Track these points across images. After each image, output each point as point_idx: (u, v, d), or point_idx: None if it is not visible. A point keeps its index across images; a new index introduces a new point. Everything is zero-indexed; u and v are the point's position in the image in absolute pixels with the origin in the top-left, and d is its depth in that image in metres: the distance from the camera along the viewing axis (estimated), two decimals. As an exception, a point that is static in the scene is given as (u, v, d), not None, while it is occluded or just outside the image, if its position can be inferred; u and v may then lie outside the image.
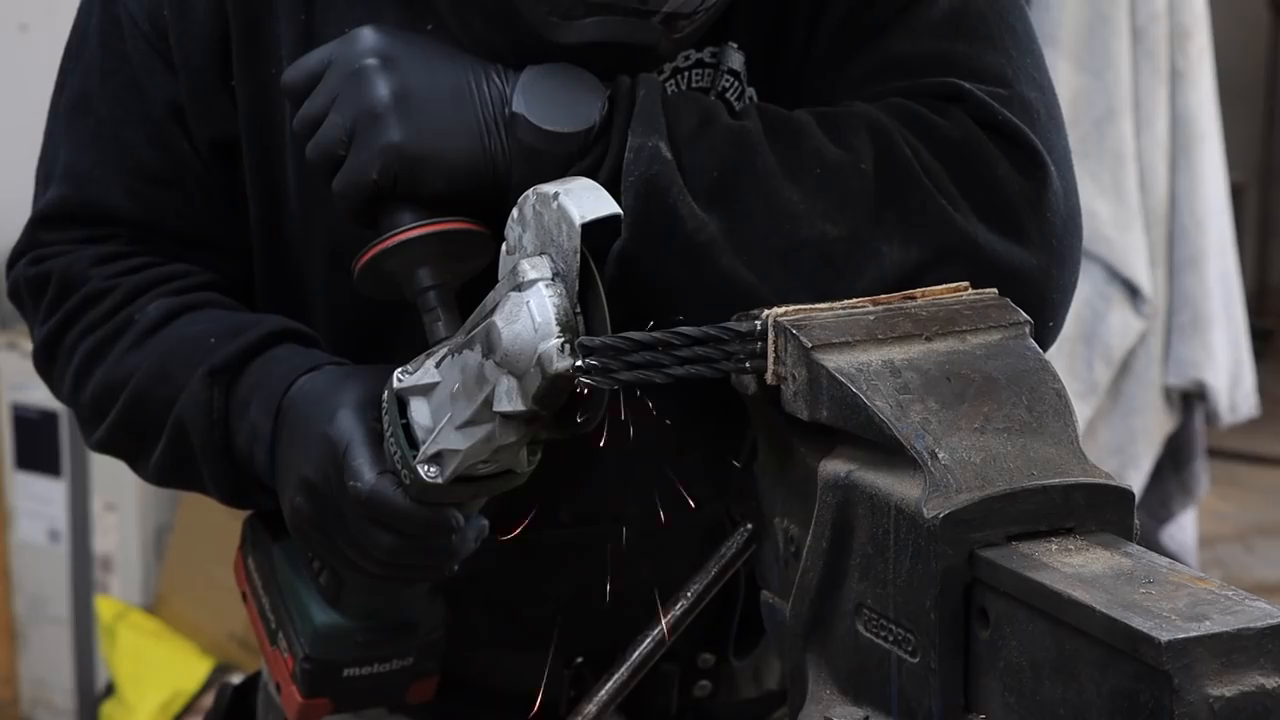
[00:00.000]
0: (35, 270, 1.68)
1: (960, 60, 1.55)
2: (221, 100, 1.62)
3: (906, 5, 1.55)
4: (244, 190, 1.64)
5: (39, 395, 4.09)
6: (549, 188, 1.35)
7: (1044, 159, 1.52)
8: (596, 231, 1.33)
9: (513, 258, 1.36)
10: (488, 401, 1.35)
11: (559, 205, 1.33)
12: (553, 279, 1.32)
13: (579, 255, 1.32)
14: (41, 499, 4.28)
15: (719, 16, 1.51)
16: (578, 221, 1.32)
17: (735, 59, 1.57)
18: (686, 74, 1.56)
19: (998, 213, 1.50)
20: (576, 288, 1.32)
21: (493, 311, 1.34)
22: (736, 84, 1.57)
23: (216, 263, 1.67)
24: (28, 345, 1.76)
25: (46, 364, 1.70)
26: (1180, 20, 4.22)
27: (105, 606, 4.27)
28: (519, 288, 1.33)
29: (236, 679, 4.16)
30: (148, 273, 1.65)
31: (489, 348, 1.34)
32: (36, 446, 4.27)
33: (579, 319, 1.32)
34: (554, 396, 1.32)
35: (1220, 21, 4.68)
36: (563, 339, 1.30)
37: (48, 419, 4.20)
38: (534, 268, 1.33)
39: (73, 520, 4.26)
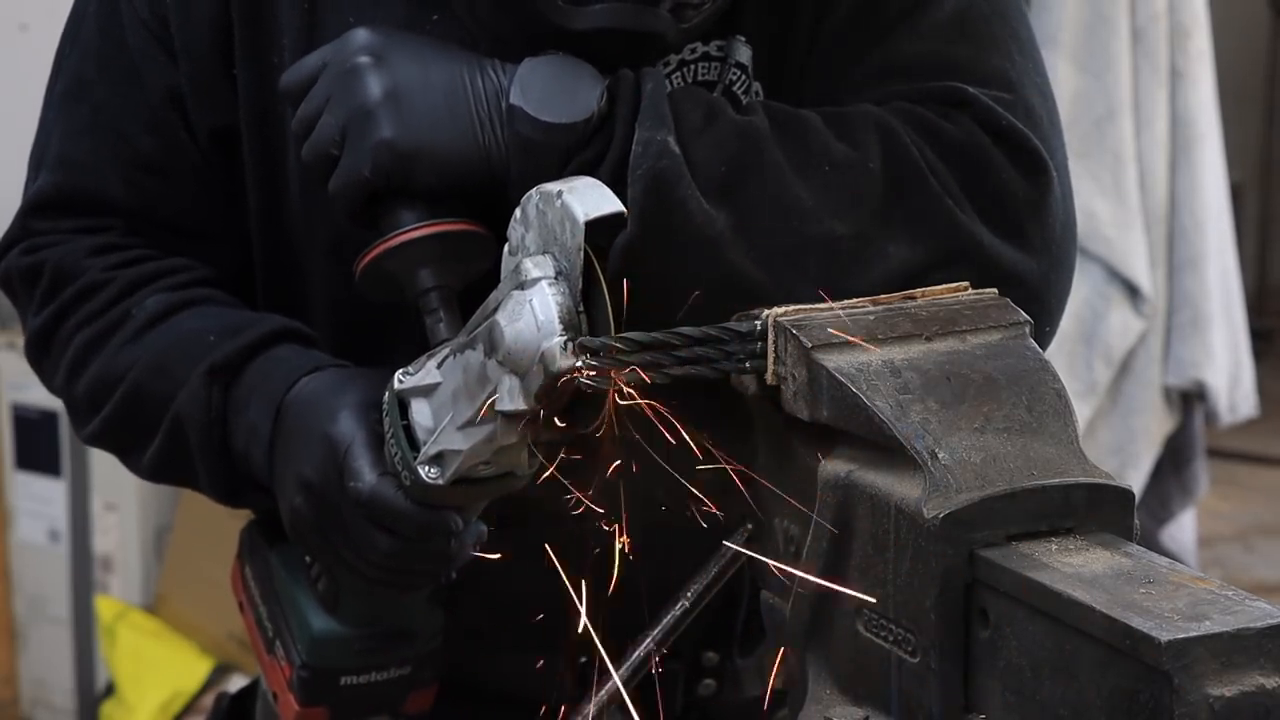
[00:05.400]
0: (28, 260, 1.67)
1: (965, 64, 1.55)
2: (222, 88, 1.61)
3: (912, 8, 1.55)
4: (243, 181, 1.63)
5: (39, 395, 4.09)
6: (552, 186, 1.34)
7: (1047, 165, 1.52)
8: (600, 230, 1.33)
9: (515, 258, 1.36)
10: (490, 404, 1.35)
11: (562, 203, 1.33)
12: (556, 277, 1.32)
13: (582, 253, 1.32)
14: (41, 499, 4.28)
15: (726, 9, 1.52)
16: (581, 219, 1.31)
17: (743, 52, 1.57)
18: (693, 67, 1.56)
19: (1001, 217, 1.50)
20: (580, 286, 1.32)
21: (495, 311, 1.34)
22: (744, 78, 1.57)
23: (213, 255, 1.67)
24: (28, 345, 1.76)
25: (39, 355, 1.69)
26: (1180, 20, 4.22)
27: (105, 606, 4.27)
28: (521, 286, 1.32)
29: (237, 679, 4.15)
30: (145, 266, 1.64)
31: (491, 347, 1.34)
32: (36, 446, 4.27)
33: (582, 318, 1.32)
34: (556, 395, 1.31)
35: (1220, 21, 4.68)
36: (565, 337, 1.30)
37: (48, 419, 4.20)
38: (537, 266, 1.33)
39: (73, 520, 4.26)
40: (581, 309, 1.32)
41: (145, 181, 1.65)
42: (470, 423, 1.38)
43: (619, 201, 1.34)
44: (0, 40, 4.38)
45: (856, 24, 1.56)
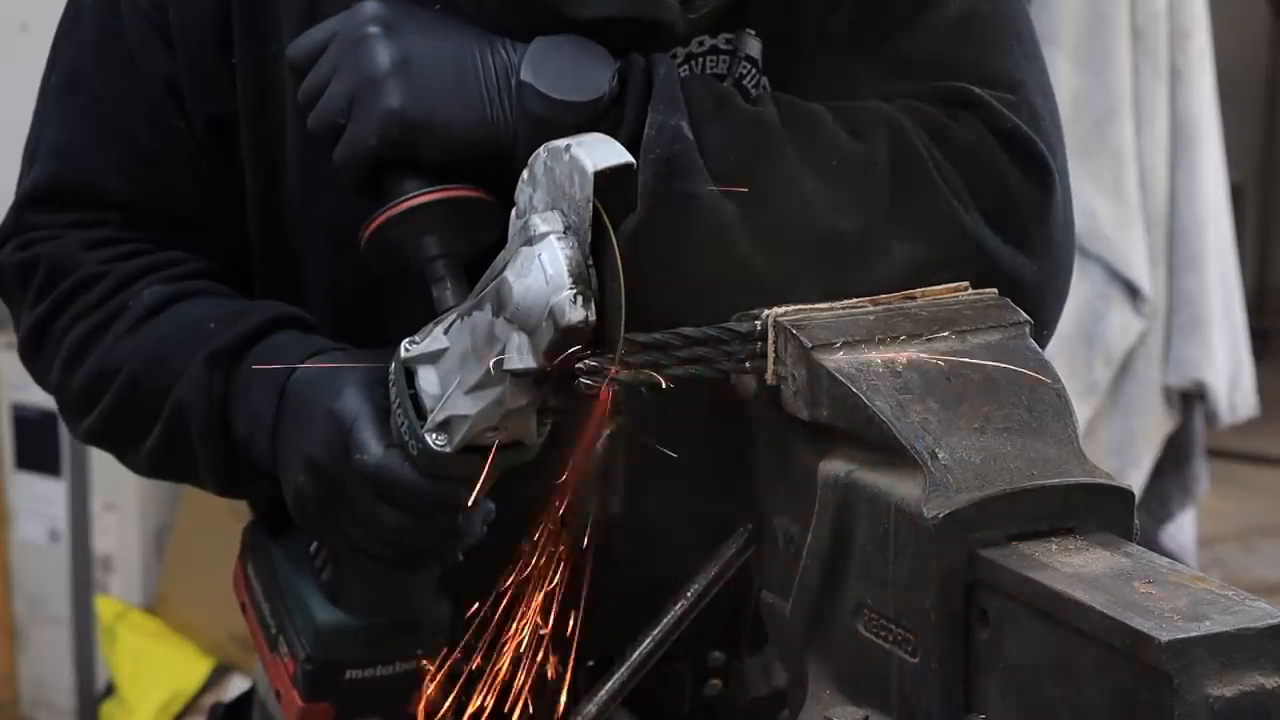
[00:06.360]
0: (23, 255, 1.66)
1: (970, 65, 1.55)
2: (221, 77, 1.61)
3: (919, 6, 1.55)
4: (241, 171, 1.63)
5: (39, 395, 4.06)
6: (560, 142, 1.33)
7: (1051, 168, 1.53)
8: (608, 183, 1.31)
9: (523, 218, 1.35)
10: (498, 362, 1.34)
11: (571, 156, 1.32)
12: (564, 232, 1.31)
13: (591, 206, 1.31)
14: (41, 499, 4.28)
15: (736, 1, 1.52)
16: (590, 170, 1.30)
17: (753, 46, 1.57)
18: (701, 60, 1.56)
19: (1005, 219, 1.50)
20: (589, 240, 1.31)
21: (503, 269, 1.33)
22: (754, 72, 1.57)
23: (210, 245, 1.66)
24: (28, 345, 1.75)
25: (33, 351, 1.68)
26: (1180, 20, 4.22)
27: (105, 606, 4.27)
28: (530, 242, 1.31)
29: (237, 679, 4.14)
30: (141, 259, 1.64)
31: (499, 304, 1.32)
32: (36, 446, 4.27)
33: (591, 271, 1.31)
34: (565, 353, 1.30)
35: (1220, 21, 4.67)
36: (575, 290, 1.29)
37: (48, 419, 4.20)
38: (545, 221, 1.32)
39: (73, 520, 4.26)
40: (591, 263, 1.31)
41: (143, 172, 1.64)
42: (478, 386, 1.36)
43: (628, 154, 1.33)
44: (0, 40, 4.38)
45: (862, 24, 1.56)
